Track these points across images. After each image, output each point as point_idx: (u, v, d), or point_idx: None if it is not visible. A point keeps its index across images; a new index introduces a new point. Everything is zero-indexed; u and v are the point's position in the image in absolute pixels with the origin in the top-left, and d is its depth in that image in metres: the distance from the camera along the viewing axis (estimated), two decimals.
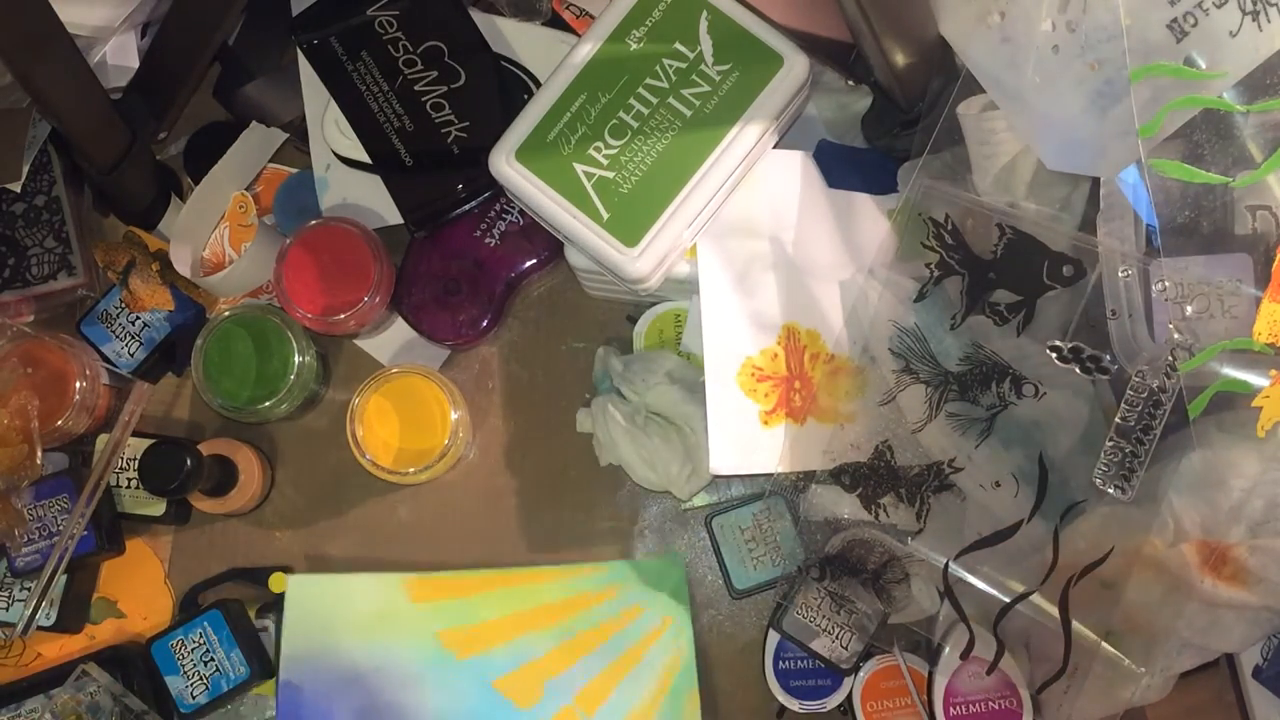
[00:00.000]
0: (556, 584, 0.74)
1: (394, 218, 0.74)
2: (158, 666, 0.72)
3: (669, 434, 0.69)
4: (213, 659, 0.72)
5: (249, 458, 0.75)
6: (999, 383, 0.64)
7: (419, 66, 0.72)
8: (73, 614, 0.75)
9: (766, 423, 0.67)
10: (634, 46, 0.66)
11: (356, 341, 0.78)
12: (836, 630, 0.69)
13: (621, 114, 0.65)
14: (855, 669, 0.70)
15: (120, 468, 0.76)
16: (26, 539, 0.73)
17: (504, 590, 0.74)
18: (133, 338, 0.77)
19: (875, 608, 0.68)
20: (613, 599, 0.74)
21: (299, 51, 0.74)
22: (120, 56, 0.76)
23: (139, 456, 0.70)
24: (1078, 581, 0.62)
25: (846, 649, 0.69)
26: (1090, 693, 0.64)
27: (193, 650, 0.72)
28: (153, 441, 0.70)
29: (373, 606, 0.73)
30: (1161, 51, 0.55)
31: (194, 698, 0.72)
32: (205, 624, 0.72)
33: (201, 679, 0.72)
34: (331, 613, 0.73)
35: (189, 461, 0.68)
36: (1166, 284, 0.59)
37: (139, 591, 0.76)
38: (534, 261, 0.73)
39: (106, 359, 0.77)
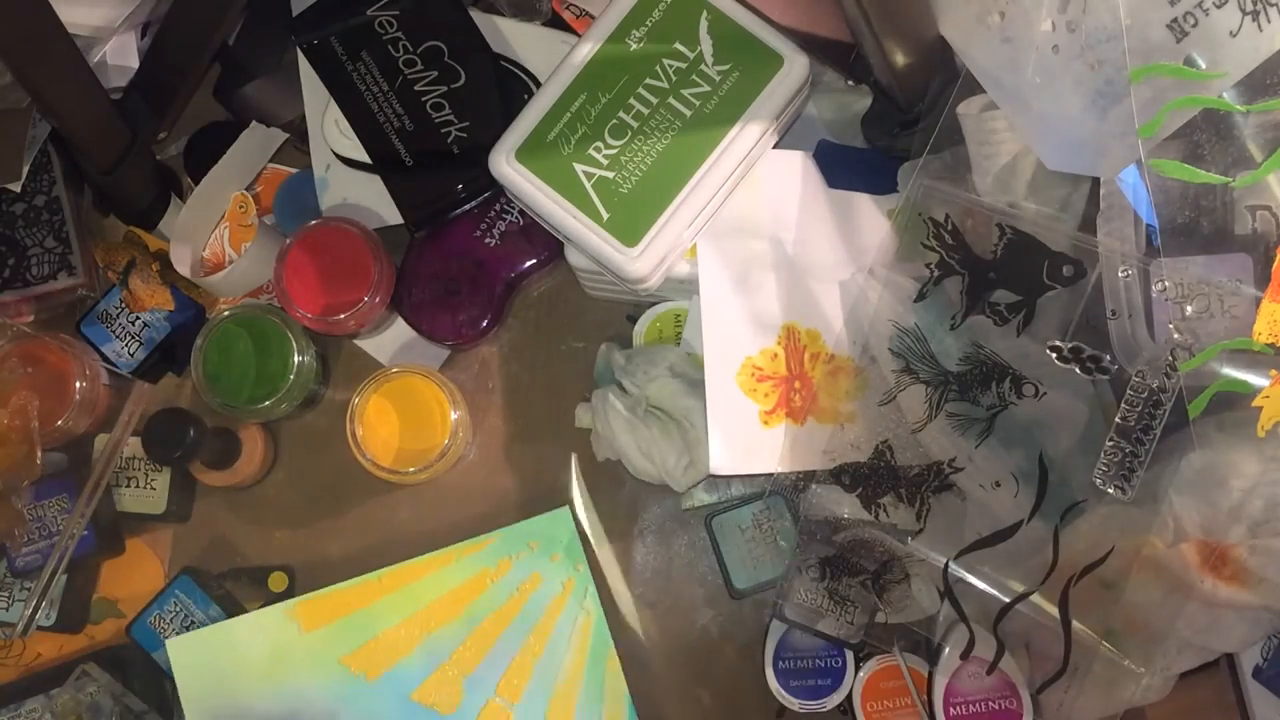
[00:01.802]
0: (447, 571, 0.72)
1: (394, 218, 0.74)
2: (143, 647, 0.73)
3: (668, 427, 0.69)
4: (194, 622, 0.73)
5: (252, 431, 0.75)
6: (999, 383, 0.64)
7: (419, 66, 0.72)
8: (73, 614, 0.75)
9: (766, 423, 0.67)
10: (634, 46, 0.66)
11: (356, 341, 0.78)
12: (839, 609, 0.69)
13: (621, 114, 0.65)
14: (862, 645, 0.70)
15: (120, 467, 0.76)
16: (26, 539, 0.73)
17: (396, 593, 0.72)
18: (133, 338, 0.77)
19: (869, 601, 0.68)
20: (508, 572, 0.72)
21: (299, 51, 0.74)
22: (120, 56, 0.76)
23: (142, 433, 0.70)
24: (1078, 581, 0.62)
25: (853, 622, 0.69)
26: (1090, 693, 0.64)
27: (172, 619, 0.73)
28: (158, 410, 0.70)
29: (265, 648, 0.72)
30: (1161, 51, 0.55)
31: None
32: (177, 592, 0.74)
33: None
34: (224, 667, 0.71)
35: (192, 430, 0.69)
36: (1166, 284, 0.59)
37: (139, 591, 0.76)
38: (534, 261, 0.73)
39: (106, 359, 0.77)
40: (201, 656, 0.72)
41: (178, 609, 0.73)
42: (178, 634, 0.73)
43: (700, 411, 0.67)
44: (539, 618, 0.72)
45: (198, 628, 0.73)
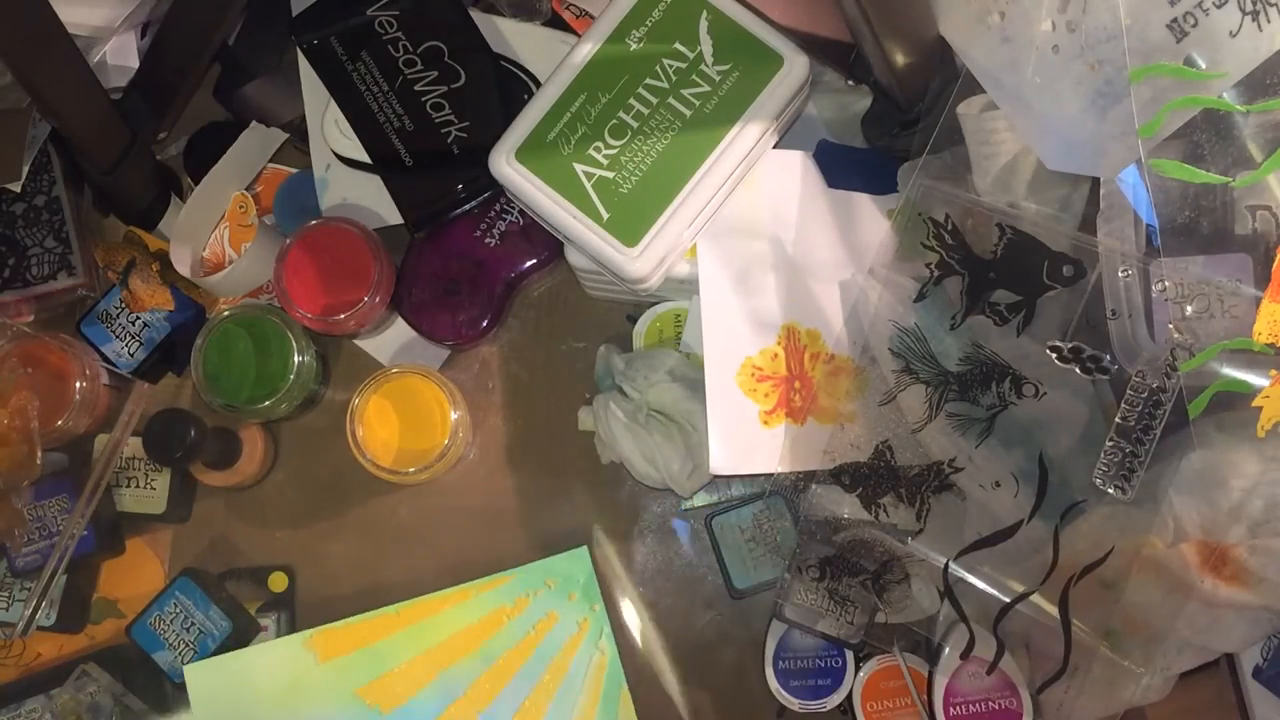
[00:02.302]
0: (464, 606, 0.72)
1: (394, 218, 0.74)
2: (142, 647, 0.73)
3: (670, 431, 0.69)
4: (193, 623, 0.73)
5: (252, 431, 0.75)
6: (999, 383, 0.64)
7: (419, 66, 0.72)
8: (73, 614, 0.75)
9: (766, 423, 0.67)
10: (634, 46, 0.66)
11: (356, 341, 0.78)
12: (839, 609, 0.69)
13: (621, 114, 0.65)
14: (862, 645, 0.70)
15: (120, 467, 0.76)
16: (26, 539, 0.73)
17: (413, 627, 0.72)
18: (133, 338, 0.77)
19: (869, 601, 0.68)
20: (526, 610, 0.72)
21: (299, 51, 0.74)
22: (120, 56, 0.76)
23: (142, 433, 0.70)
24: (1078, 581, 0.62)
25: (853, 622, 0.69)
26: (1090, 693, 0.64)
27: (171, 621, 0.73)
28: (158, 411, 0.70)
29: (282, 677, 0.71)
30: (1161, 51, 0.55)
31: (184, 665, 0.73)
32: (177, 593, 0.73)
33: (188, 645, 0.73)
34: (241, 695, 0.71)
35: (192, 430, 0.69)
36: (1166, 284, 0.59)
37: (139, 592, 0.76)
38: (534, 261, 0.73)
39: (106, 359, 0.77)
40: (219, 683, 0.72)
41: (178, 609, 0.73)
42: (177, 634, 0.73)
43: (702, 415, 0.67)
44: (554, 656, 0.72)
45: (198, 628, 0.73)
